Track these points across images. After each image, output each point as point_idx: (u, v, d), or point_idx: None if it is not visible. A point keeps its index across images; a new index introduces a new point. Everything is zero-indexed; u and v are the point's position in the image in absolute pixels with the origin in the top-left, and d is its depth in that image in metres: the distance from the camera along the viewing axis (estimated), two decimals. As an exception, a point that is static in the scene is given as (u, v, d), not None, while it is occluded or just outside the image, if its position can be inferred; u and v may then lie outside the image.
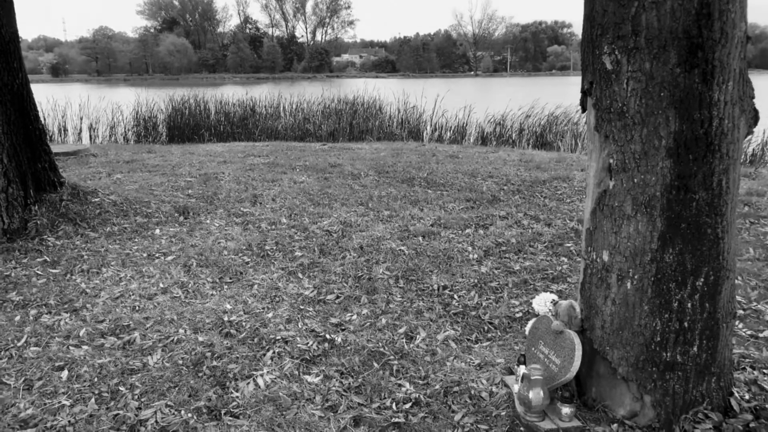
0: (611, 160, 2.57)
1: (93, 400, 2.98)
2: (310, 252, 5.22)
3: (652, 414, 2.64)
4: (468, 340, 3.69)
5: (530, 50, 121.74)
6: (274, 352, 3.48)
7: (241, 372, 3.26)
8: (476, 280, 4.57)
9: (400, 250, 5.24)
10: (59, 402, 2.96)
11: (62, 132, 15.14)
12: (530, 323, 3.14)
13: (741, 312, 3.92)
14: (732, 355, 2.85)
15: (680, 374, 2.59)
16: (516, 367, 3.09)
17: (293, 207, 6.69)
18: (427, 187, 7.72)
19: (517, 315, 3.99)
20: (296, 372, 3.27)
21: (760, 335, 3.61)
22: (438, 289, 4.42)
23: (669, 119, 2.40)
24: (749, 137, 2.71)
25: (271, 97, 16.79)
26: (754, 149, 11.25)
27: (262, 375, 3.23)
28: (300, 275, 4.71)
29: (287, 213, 6.45)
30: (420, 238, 5.57)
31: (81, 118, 15.37)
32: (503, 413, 2.86)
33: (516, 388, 2.91)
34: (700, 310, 2.54)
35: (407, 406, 2.94)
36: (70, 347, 3.53)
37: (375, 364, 3.34)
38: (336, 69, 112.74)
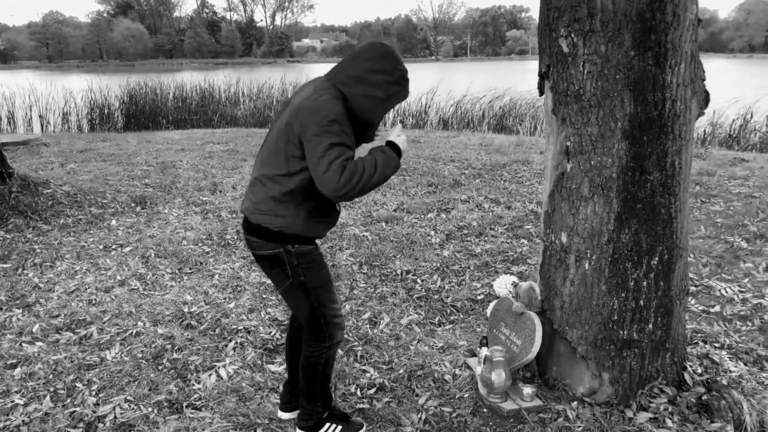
0: (568, 143, 2.59)
1: (48, 398, 2.89)
2: (272, 240, 5.15)
3: (610, 390, 2.71)
4: (431, 323, 3.71)
5: (490, 35, 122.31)
6: (236, 343, 3.43)
7: (202, 364, 3.21)
8: (439, 264, 4.59)
9: (363, 236, 5.23)
10: (12, 401, 2.86)
11: (11, 121, 14.55)
12: (491, 305, 3.17)
13: (693, 288, 4.05)
14: (685, 331, 2.94)
15: (636, 351, 2.66)
16: (478, 349, 3.12)
17: (254, 195, 6.58)
18: (390, 173, 7.69)
19: (479, 297, 4.04)
20: (259, 362, 3.24)
21: (712, 310, 3.73)
22: (401, 274, 4.43)
23: (624, 101, 2.43)
24: (700, 118, 2.77)
25: (230, 82, 16.46)
26: (704, 130, 11.56)
27: (224, 366, 3.18)
28: (262, 264, 4.65)
29: (248, 201, 6.35)
30: (383, 224, 5.56)
31: (30, 106, 14.78)
32: (466, 395, 2.89)
33: (479, 369, 2.94)
34: (655, 288, 2.61)
35: (372, 391, 2.94)
36: (23, 344, 3.41)
37: (339, 351, 3.33)
38: (297, 54, 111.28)
